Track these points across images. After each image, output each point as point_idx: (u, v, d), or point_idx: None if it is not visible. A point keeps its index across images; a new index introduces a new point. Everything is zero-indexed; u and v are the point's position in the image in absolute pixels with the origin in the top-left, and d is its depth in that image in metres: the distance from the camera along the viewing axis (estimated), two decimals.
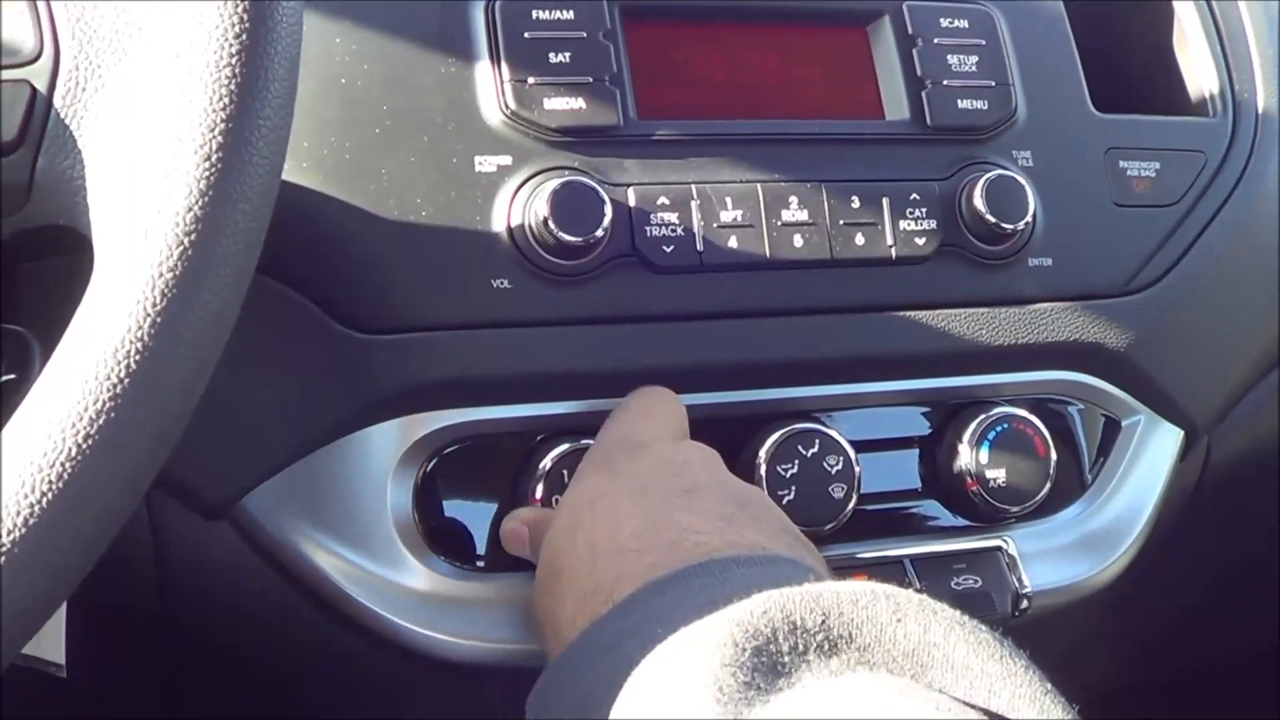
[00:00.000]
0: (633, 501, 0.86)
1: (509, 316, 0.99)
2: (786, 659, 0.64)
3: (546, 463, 0.99)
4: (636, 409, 0.99)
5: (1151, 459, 1.19)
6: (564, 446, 1.00)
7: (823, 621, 0.65)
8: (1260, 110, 1.24)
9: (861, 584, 0.68)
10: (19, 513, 0.64)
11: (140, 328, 0.67)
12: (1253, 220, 1.21)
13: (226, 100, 0.69)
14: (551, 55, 1.01)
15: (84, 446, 0.66)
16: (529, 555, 0.97)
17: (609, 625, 0.75)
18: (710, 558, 0.76)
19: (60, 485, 0.65)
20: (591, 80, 1.02)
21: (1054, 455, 1.10)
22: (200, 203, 0.68)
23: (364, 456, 0.99)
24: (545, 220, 0.97)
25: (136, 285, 0.67)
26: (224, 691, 1.16)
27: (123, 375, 0.66)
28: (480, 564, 1.02)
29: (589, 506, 0.88)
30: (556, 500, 0.98)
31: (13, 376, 0.93)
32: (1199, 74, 1.25)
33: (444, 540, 1.01)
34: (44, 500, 0.65)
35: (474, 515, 1.02)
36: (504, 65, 1.00)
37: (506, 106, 1.00)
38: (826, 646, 0.65)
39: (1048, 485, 1.10)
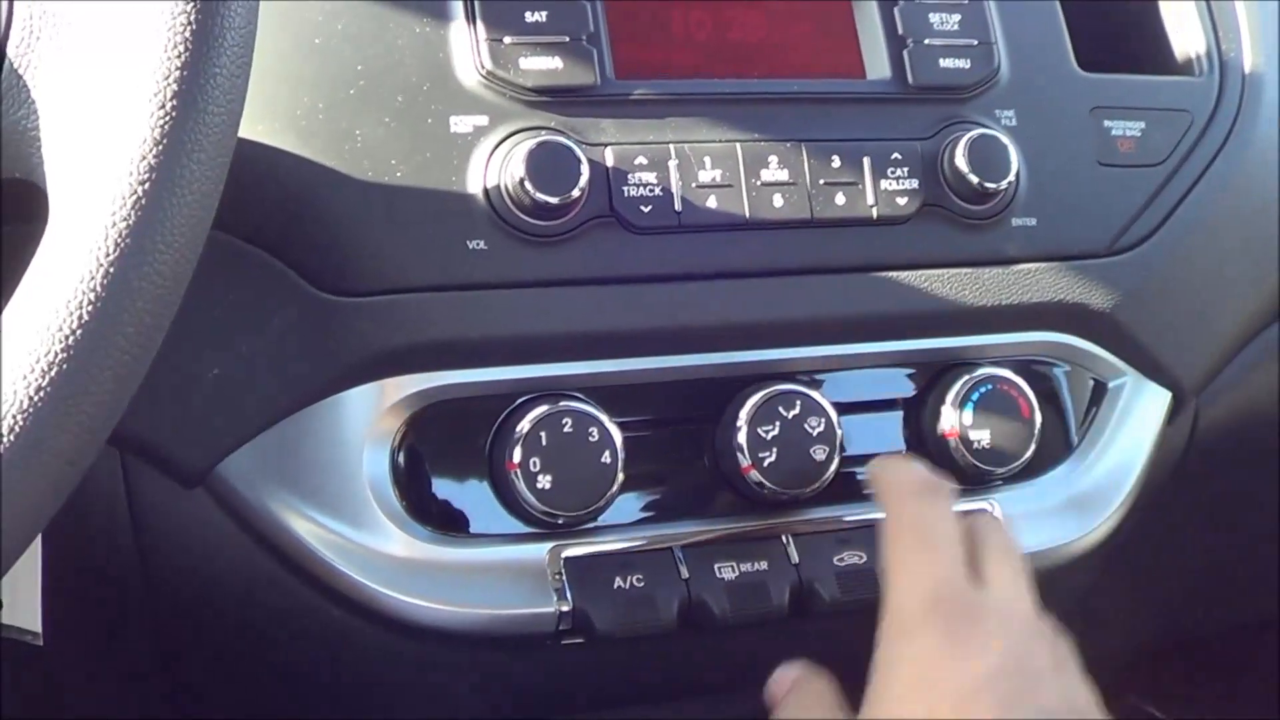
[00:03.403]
0: None
1: (485, 278, 0.98)
2: None
3: (524, 425, 0.98)
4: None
5: (1138, 420, 1.18)
6: (542, 408, 0.98)
7: None
8: (1247, 70, 1.23)
9: None
10: None
11: (93, 278, 0.66)
12: (1239, 180, 1.20)
13: (181, 48, 0.68)
14: (528, 14, 1.00)
15: (35, 399, 0.65)
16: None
17: None
18: None
19: (11, 438, 0.64)
20: (568, 39, 1.01)
21: (1039, 416, 1.10)
22: (154, 152, 0.67)
23: (339, 421, 0.98)
24: (521, 180, 0.96)
25: (89, 236, 0.67)
26: (204, 658, 1.16)
27: (75, 327, 0.66)
28: (457, 529, 1.01)
29: None
30: (535, 462, 0.97)
31: None
32: (1185, 33, 1.24)
33: (421, 505, 1.00)
34: None
35: (451, 480, 1.02)
36: (479, 24, 0.99)
37: (482, 66, 0.99)
38: None
39: (1033, 446, 1.10)
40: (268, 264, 0.97)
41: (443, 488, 1.01)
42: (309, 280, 0.97)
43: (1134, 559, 1.31)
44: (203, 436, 0.98)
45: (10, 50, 0.72)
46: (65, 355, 0.65)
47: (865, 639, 1.18)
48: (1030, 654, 0.88)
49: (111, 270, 0.66)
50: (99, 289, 0.66)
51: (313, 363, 0.98)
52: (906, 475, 0.97)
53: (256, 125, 0.95)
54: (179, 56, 0.68)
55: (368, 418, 0.98)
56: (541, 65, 1.00)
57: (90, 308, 0.66)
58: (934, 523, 0.93)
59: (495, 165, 0.98)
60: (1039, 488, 1.14)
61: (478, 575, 1.01)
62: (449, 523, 1.01)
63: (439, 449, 1.01)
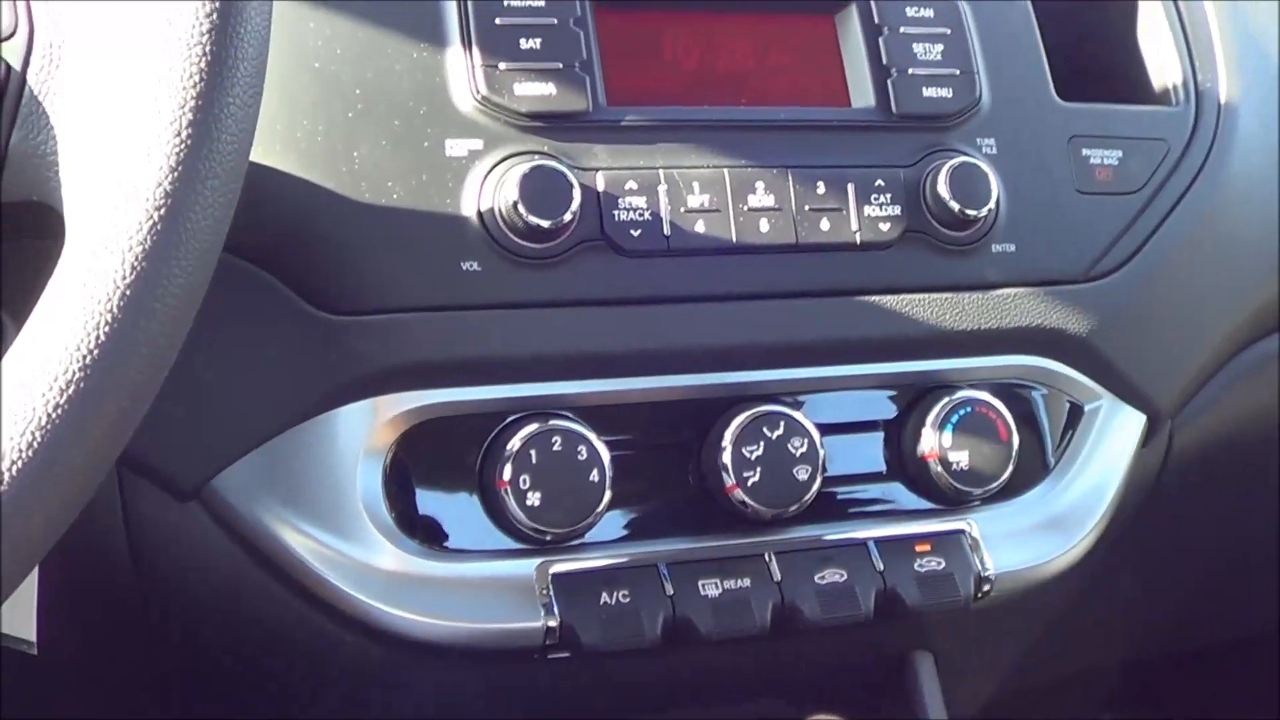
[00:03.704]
0: None
1: (478, 299, 1.00)
2: None
3: (515, 443, 1.00)
4: None
5: (1114, 443, 1.20)
6: (532, 427, 1.00)
7: None
8: (1222, 100, 1.25)
9: None
10: None
11: (110, 300, 0.68)
12: (1214, 209, 1.22)
13: (197, 78, 0.71)
14: (523, 41, 1.02)
15: (54, 415, 0.67)
16: None
17: None
18: None
19: (30, 453, 0.66)
20: (562, 66, 1.03)
21: (1016, 438, 1.12)
22: (170, 179, 0.69)
23: (334, 437, 1.00)
24: (515, 204, 0.98)
25: (107, 259, 0.69)
26: (198, 667, 1.17)
27: (92, 346, 0.68)
28: (448, 544, 1.03)
29: None
30: (525, 480, 0.99)
31: None
32: (1162, 64, 1.26)
33: (413, 520, 1.02)
34: (13, 467, 0.66)
35: (443, 496, 1.03)
36: (475, 51, 1.01)
37: (478, 91, 1.01)
38: None
39: (1010, 468, 1.12)
40: (266, 282, 0.99)
41: (434, 504, 1.03)
42: (306, 298, 0.99)
43: (1112, 577, 1.33)
44: (198, 450, 1.00)
45: (31, 78, 0.75)
46: (82, 374, 0.67)
47: (845, 655, 1.20)
48: None
49: (128, 293, 0.68)
50: (115, 310, 0.68)
51: (308, 379, 0.99)
52: None
53: (256, 147, 0.95)
54: (194, 87, 0.70)
55: (361, 434, 1.00)
56: (535, 91, 1.02)
57: (107, 329, 0.68)
58: None
59: (489, 188, 0.99)
60: (1016, 508, 1.16)
61: (467, 589, 1.03)
62: (439, 538, 1.03)
63: (431, 466, 1.03)
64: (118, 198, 0.69)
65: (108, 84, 0.73)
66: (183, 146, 0.70)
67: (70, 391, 0.67)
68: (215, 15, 0.71)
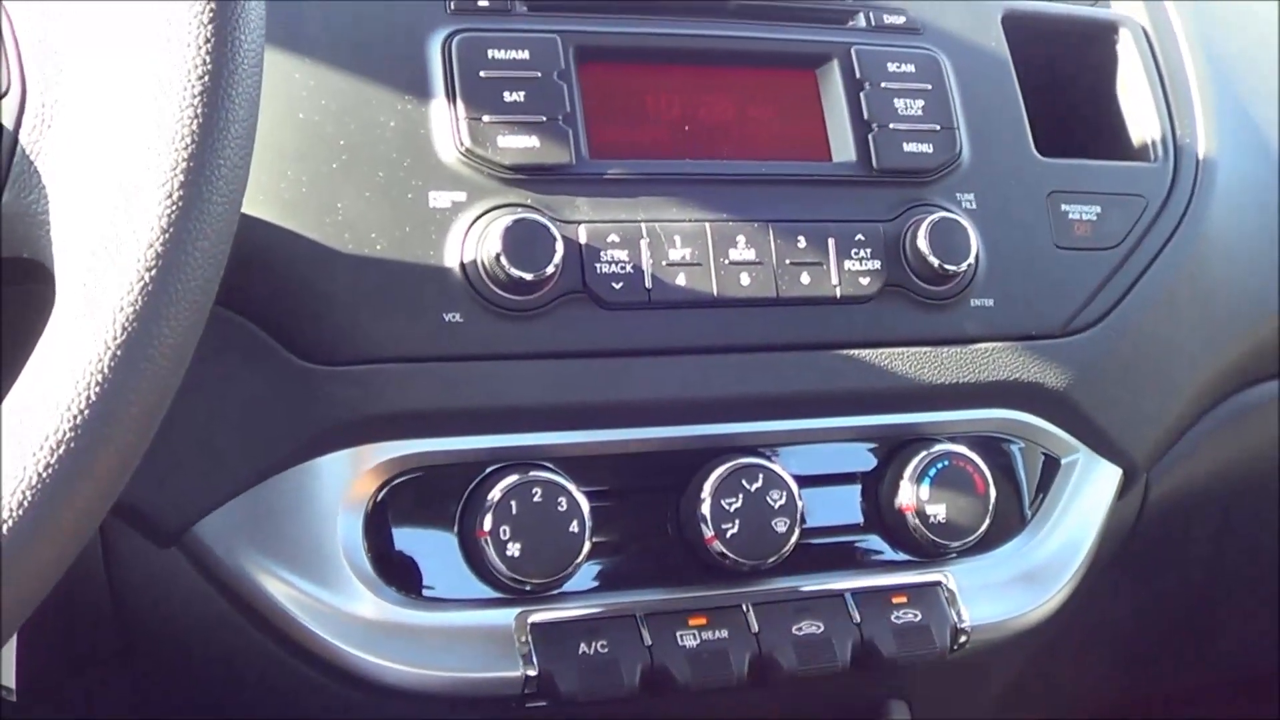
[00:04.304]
0: None
1: (460, 350, 1.00)
2: None
3: (495, 494, 1.00)
4: None
5: (1090, 496, 1.20)
6: (513, 478, 1.01)
7: None
8: (1201, 156, 1.26)
9: None
10: None
11: (101, 360, 0.69)
12: (1192, 264, 1.23)
13: (189, 140, 0.71)
14: (506, 94, 1.03)
15: (44, 475, 0.67)
16: None
17: None
18: None
19: (20, 512, 0.67)
20: (545, 119, 1.03)
21: (993, 492, 1.12)
22: (161, 239, 0.70)
23: (315, 486, 1.00)
24: (497, 256, 0.99)
25: (97, 319, 0.69)
26: (178, 712, 1.17)
27: (83, 406, 0.68)
28: (427, 593, 1.03)
29: None
30: (505, 530, 1.00)
31: None
32: (1141, 119, 1.27)
33: (393, 569, 1.02)
34: (4, 527, 0.66)
35: (423, 545, 1.04)
36: (459, 103, 1.02)
37: (461, 144, 1.02)
38: None
39: (987, 521, 1.12)
40: (249, 331, 0.99)
41: (414, 552, 1.03)
42: (288, 348, 0.99)
43: (1090, 626, 1.33)
44: (180, 497, 1.01)
45: (23, 137, 0.75)
46: (73, 434, 0.68)
47: (821, 703, 1.20)
48: None
49: (119, 353, 0.69)
50: (106, 370, 0.69)
51: (290, 428, 1.00)
52: None
53: None
54: (186, 149, 0.71)
55: (342, 483, 1.01)
56: (519, 144, 1.03)
57: (98, 389, 0.68)
58: None
59: (472, 240, 1.00)
60: (992, 561, 1.17)
61: (447, 638, 1.03)
62: (419, 586, 1.03)
63: (411, 515, 1.03)
64: (108, 258, 0.70)
65: (100, 144, 0.74)
66: (174, 208, 0.70)
67: (61, 451, 0.68)
68: (208, 78, 0.72)
